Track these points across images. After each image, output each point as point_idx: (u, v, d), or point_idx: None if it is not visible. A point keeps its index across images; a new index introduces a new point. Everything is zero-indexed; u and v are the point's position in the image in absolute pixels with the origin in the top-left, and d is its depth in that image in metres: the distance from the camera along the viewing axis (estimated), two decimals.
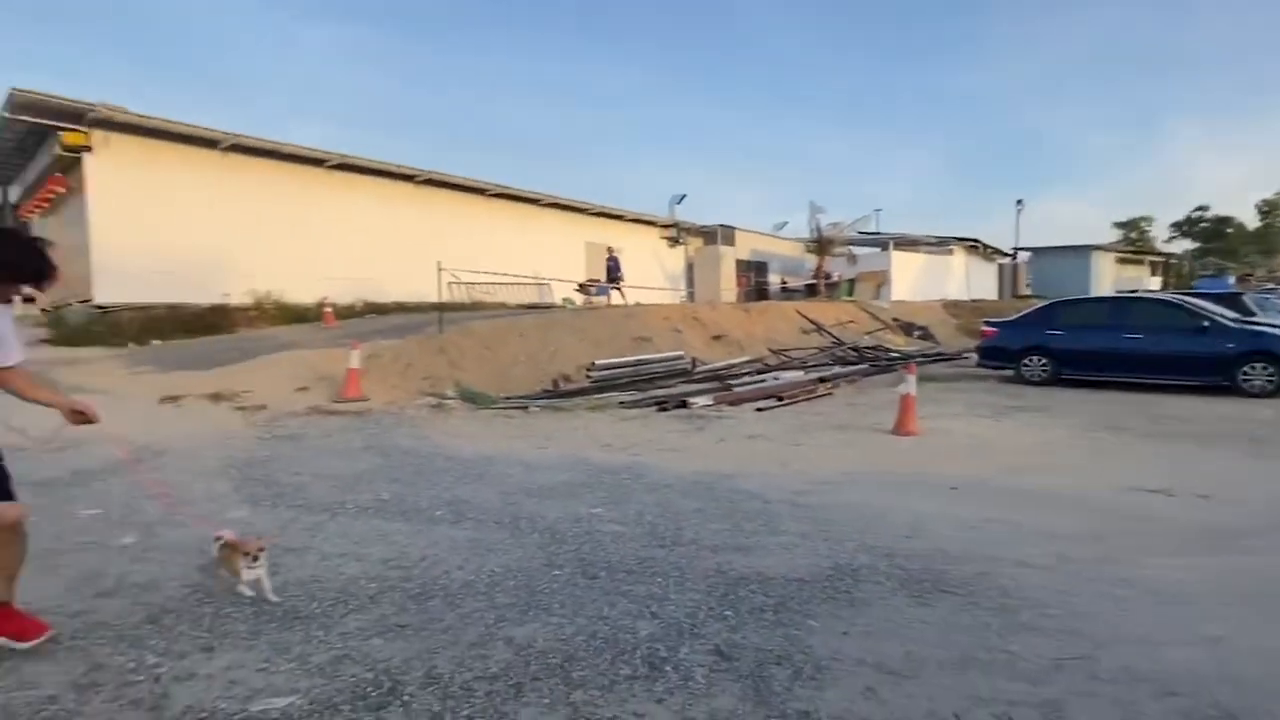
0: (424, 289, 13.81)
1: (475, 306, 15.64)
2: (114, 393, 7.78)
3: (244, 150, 14.35)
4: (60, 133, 12.37)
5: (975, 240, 29.80)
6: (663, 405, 8.65)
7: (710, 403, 8.87)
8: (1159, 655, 2.38)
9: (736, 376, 11.23)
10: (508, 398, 9.18)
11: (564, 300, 18.45)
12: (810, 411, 8.38)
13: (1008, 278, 31.44)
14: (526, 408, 8.49)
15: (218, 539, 2.91)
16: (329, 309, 13.88)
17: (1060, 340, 9.75)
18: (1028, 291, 30.00)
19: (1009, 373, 10.48)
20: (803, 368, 12.24)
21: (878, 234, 28.10)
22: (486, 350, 10.37)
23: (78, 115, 12.42)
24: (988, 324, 11.18)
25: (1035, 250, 33.28)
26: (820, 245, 24.76)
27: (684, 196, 26.61)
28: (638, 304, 16.34)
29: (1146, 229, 58.78)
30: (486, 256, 16.40)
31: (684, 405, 8.64)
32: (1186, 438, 6.44)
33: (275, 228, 14.52)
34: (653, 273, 22.72)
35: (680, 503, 4.36)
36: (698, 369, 11.77)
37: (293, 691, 2.15)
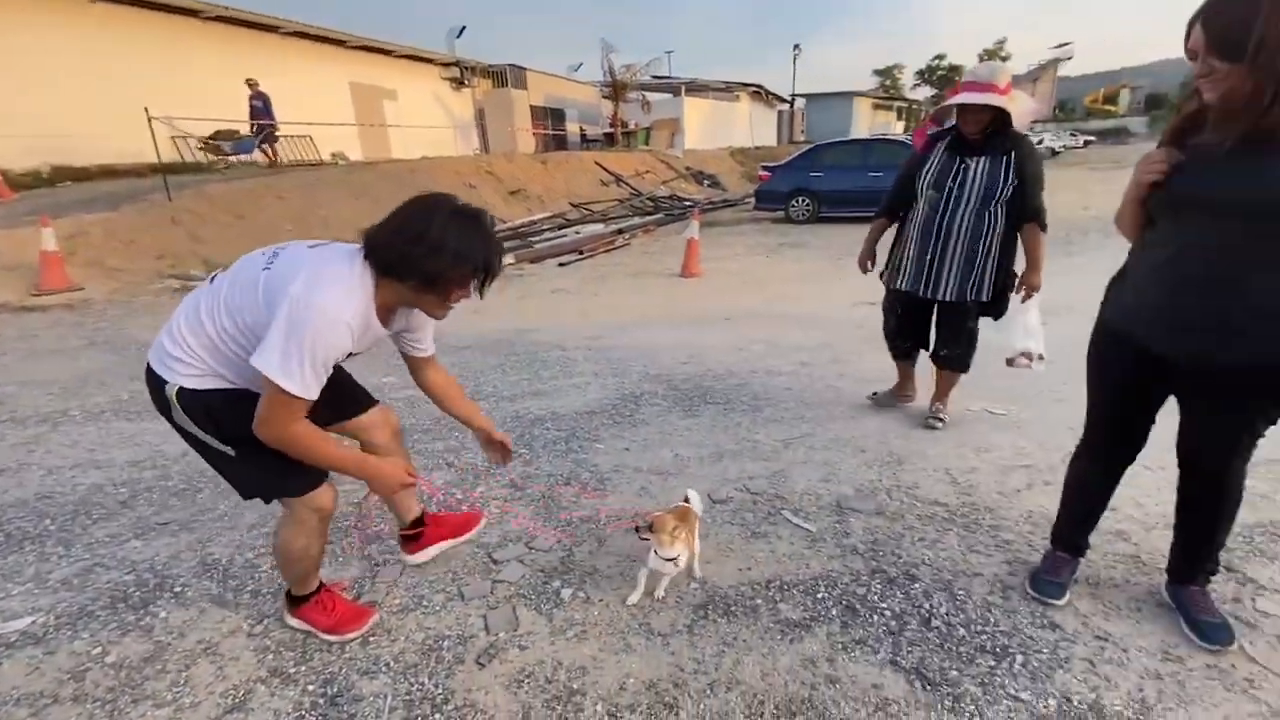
0: (139, 148, 10.94)
1: (214, 166, 12.86)
2: None
3: None
4: None
5: (759, 86, 31.01)
6: None
7: (512, 261, 8.67)
8: (859, 425, 3.07)
9: (538, 233, 11.00)
10: None
11: (334, 155, 15.96)
12: (609, 263, 8.63)
13: (786, 124, 33.68)
14: None
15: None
16: None
17: (819, 182, 10.95)
18: (802, 137, 32.58)
19: (780, 213, 11.63)
20: (603, 220, 12.34)
21: (670, 78, 27.84)
22: (238, 218, 8.81)
23: None
24: (764, 168, 12.08)
25: (809, 97, 35.75)
26: (614, 90, 23.92)
27: (464, 29, 23.40)
28: (424, 158, 14.76)
29: (899, 76, 65.84)
30: (221, 105, 13.32)
31: None
32: None
33: None
34: (437, 120, 20.41)
35: (480, 360, 4.38)
36: (497, 228, 11.28)
37: (33, 611, 1.92)
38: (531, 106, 23.71)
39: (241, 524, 2.36)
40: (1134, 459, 1.69)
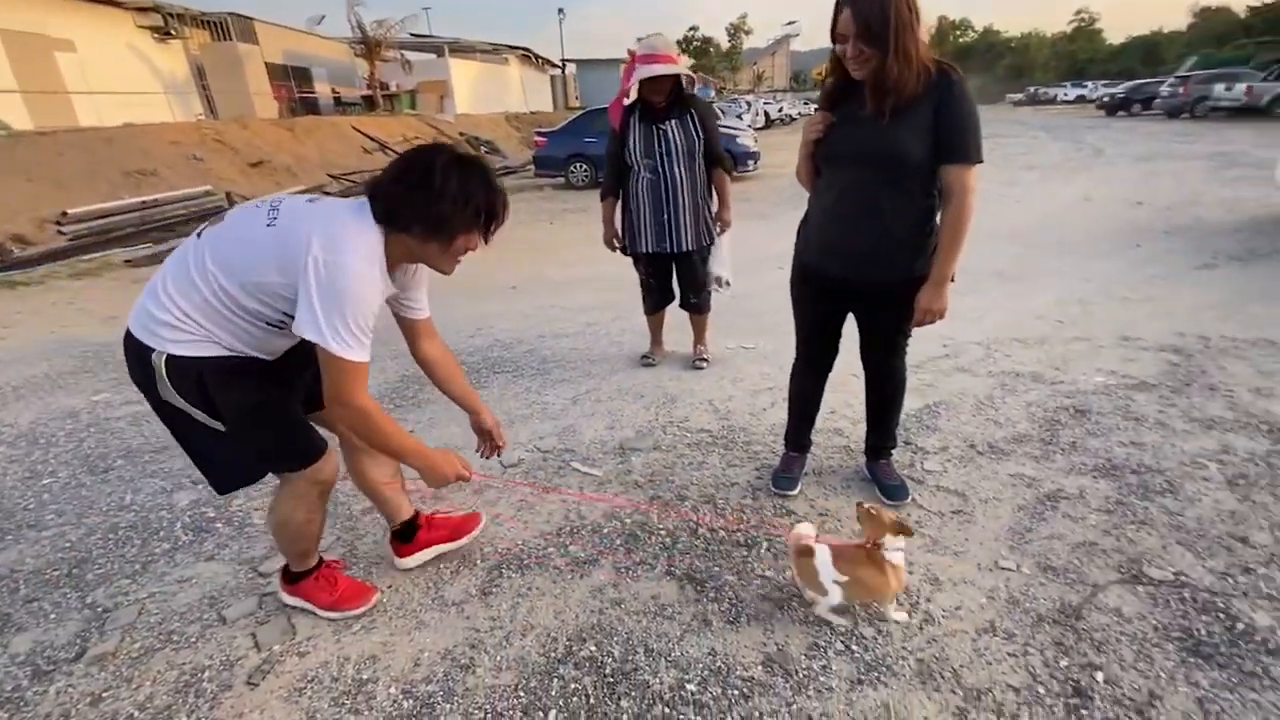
0: None
1: None
2: None
3: None
4: None
5: (528, 50, 30.39)
6: None
7: None
8: (639, 375, 3.31)
9: None
10: None
11: None
12: None
13: (560, 89, 33.62)
14: None
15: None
16: None
17: (595, 147, 11.19)
18: (577, 103, 32.85)
19: (561, 179, 11.70)
20: None
21: (431, 37, 25.99)
22: None
23: None
24: (538, 134, 12.00)
25: (580, 62, 35.99)
26: (368, 48, 21.68)
27: None
28: (127, 124, 12.00)
29: None
30: None
31: None
32: None
33: None
34: (138, 78, 16.68)
35: None
36: (237, 205, 9.73)
37: None
38: (268, 64, 20.51)
39: None
40: (832, 367, 2.08)
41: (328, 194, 10.75)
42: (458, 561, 1.89)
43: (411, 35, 24.43)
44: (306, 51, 23.51)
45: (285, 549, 1.66)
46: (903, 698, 1.39)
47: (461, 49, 25.42)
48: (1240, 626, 1.54)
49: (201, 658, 1.60)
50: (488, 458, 1.83)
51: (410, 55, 24.55)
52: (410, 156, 1.35)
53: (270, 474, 1.54)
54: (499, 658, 1.55)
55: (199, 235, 1.37)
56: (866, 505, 1.61)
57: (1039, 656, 1.48)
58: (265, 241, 1.29)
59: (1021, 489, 2.13)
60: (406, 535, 1.86)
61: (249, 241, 1.31)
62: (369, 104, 22.22)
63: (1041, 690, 1.40)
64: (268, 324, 1.36)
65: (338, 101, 23.03)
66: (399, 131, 16.26)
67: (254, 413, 1.41)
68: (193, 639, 1.66)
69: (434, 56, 24.74)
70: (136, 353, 1.34)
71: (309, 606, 1.70)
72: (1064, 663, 1.46)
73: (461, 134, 18.75)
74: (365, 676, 1.51)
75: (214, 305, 1.31)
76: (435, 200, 1.29)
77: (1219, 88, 19.18)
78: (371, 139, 14.65)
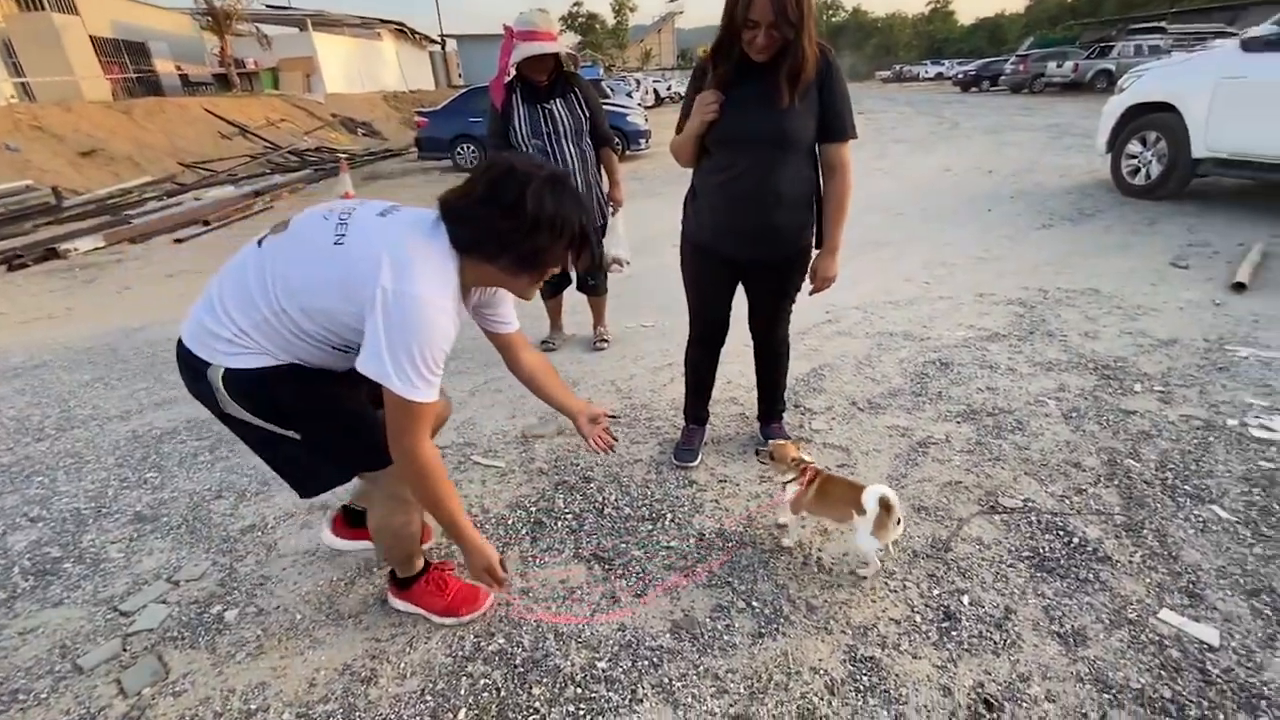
0: None
1: None
2: None
3: None
4: None
5: (401, 24, 28.57)
6: (16, 261, 6.10)
7: (100, 244, 6.70)
8: None
9: (137, 204, 8.66)
10: None
11: None
12: (246, 231, 7.29)
13: (441, 66, 31.98)
14: None
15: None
16: None
17: (480, 126, 10.77)
18: (460, 81, 31.42)
19: (447, 162, 11.19)
20: (232, 181, 10.28)
21: (290, 9, 23.77)
22: None
23: None
24: (420, 114, 11.38)
25: (461, 38, 34.33)
26: (216, 20, 19.52)
27: None
28: None
29: None
30: None
31: (56, 255, 6.30)
32: None
33: None
34: None
35: (63, 380, 3.36)
36: (67, 202, 8.52)
37: None
38: (95, 38, 17.93)
39: None
40: (725, 341, 2.14)
41: (182, 186, 9.54)
42: (353, 572, 1.80)
43: (268, 7, 22.24)
44: (141, 24, 20.75)
45: (387, 555, 1.60)
46: (799, 644, 1.48)
47: (326, 22, 23.40)
48: (1075, 540, 1.76)
49: (55, 714, 1.42)
50: (606, 451, 1.66)
51: (268, 29, 22.33)
52: (498, 179, 1.20)
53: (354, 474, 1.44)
54: (402, 665, 1.49)
55: (259, 244, 1.26)
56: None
57: (915, 589, 1.63)
58: (330, 262, 1.17)
59: (897, 439, 2.31)
60: (357, 520, 1.80)
61: (313, 260, 1.19)
62: (224, 84, 20.05)
63: (918, 619, 1.54)
64: (333, 348, 1.25)
65: (185, 81, 20.62)
66: (261, 114, 14.81)
67: (320, 413, 1.33)
68: (43, 695, 1.48)
69: (296, 31, 22.61)
70: (190, 366, 1.25)
71: (421, 612, 1.62)
72: (936, 591, 1.61)
73: (334, 115, 17.40)
74: (254, 706, 1.41)
75: (274, 325, 1.21)
76: (530, 233, 1.18)
77: (1052, 65, 21.43)
78: (230, 123, 13.25)
